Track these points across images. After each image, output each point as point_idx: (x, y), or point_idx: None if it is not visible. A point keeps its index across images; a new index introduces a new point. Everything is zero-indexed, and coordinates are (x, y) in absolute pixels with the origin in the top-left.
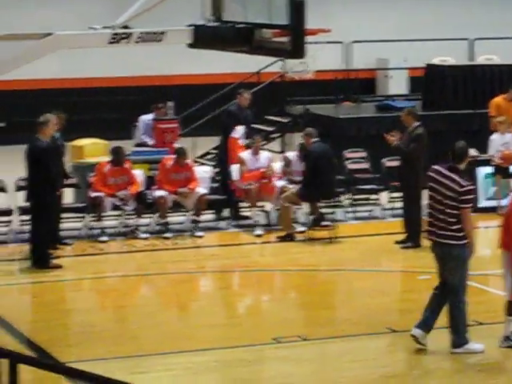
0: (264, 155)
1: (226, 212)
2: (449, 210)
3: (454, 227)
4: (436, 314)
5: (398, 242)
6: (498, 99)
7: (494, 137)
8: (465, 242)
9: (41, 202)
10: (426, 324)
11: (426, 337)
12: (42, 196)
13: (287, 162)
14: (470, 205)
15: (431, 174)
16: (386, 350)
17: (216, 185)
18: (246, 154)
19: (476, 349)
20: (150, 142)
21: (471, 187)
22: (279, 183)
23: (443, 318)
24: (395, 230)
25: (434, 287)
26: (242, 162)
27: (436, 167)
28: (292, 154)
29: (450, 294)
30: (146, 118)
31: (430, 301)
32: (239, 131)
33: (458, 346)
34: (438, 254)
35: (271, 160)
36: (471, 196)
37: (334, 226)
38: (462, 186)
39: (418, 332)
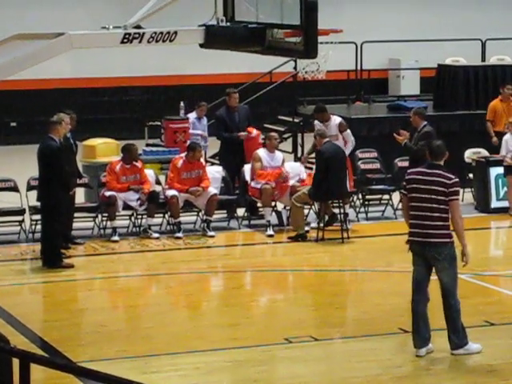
0: (278, 155)
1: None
2: (442, 206)
3: (446, 224)
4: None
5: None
6: (494, 102)
7: (507, 137)
8: (451, 240)
9: (53, 202)
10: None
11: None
12: (54, 195)
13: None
14: (459, 197)
15: (413, 176)
16: (397, 350)
17: (223, 185)
18: (262, 152)
19: (474, 349)
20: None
21: (457, 180)
22: (289, 182)
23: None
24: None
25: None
26: (257, 159)
27: (415, 170)
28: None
29: (446, 297)
30: (192, 116)
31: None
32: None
33: (459, 347)
34: (429, 255)
35: (284, 160)
36: (459, 188)
37: (347, 226)
38: (451, 179)
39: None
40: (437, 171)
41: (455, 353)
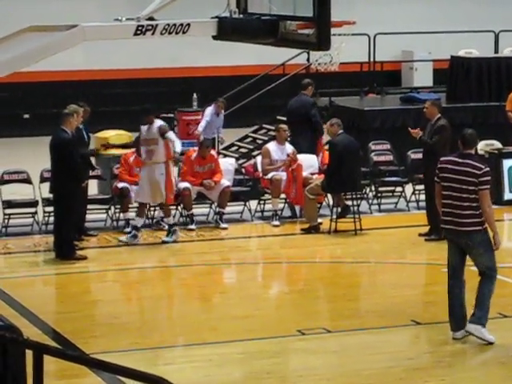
0: (288, 147)
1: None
2: (473, 196)
3: (477, 212)
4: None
5: (421, 235)
6: None
7: None
8: (485, 226)
9: (66, 194)
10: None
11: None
12: (66, 187)
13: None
14: (489, 186)
15: (445, 165)
16: (410, 342)
17: (240, 177)
18: (271, 145)
19: (487, 337)
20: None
21: (488, 169)
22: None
23: (469, 309)
24: (419, 222)
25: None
26: (266, 154)
27: (447, 158)
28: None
29: (483, 278)
30: (209, 110)
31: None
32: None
33: (476, 323)
34: (462, 243)
35: (294, 153)
36: (489, 177)
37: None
38: (481, 169)
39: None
40: (468, 161)
41: (469, 327)
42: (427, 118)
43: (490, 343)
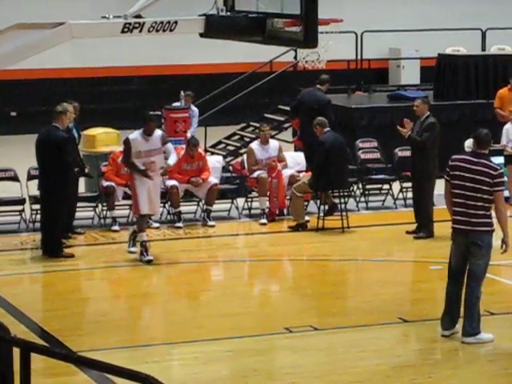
0: (273, 145)
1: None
2: (486, 196)
3: (488, 213)
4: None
5: (409, 232)
6: (502, 90)
7: (508, 127)
8: (493, 228)
9: (54, 191)
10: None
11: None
12: (55, 185)
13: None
14: (503, 187)
15: (457, 163)
16: (397, 340)
17: (228, 174)
18: (255, 145)
19: (486, 339)
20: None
21: (502, 170)
22: (288, 172)
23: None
24: (407, 220)
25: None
26: (250, 154)
27: (461, 156)
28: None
29: (472, 282)
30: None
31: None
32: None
33: (470, 335)
34: (468, 242)
35: (281, 150)
36: (503, 179)
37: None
38: (496, 170)
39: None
40: (483, 161)
41: (465, 340)
42: (417, 115)
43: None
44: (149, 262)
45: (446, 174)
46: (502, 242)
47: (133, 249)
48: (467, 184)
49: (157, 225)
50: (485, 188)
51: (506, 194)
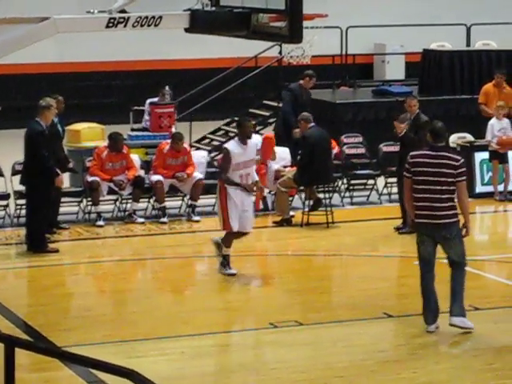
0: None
1: None
2: (451, 188)
3: (453, 204)
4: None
5: (395, 228)
6: (487, 86)
7: (492, 122)
8: (459, 217)
9: (37, 186)
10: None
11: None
12: (37, 180)
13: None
14: (466, 177)
15: (418, 159)
16: (382, 335)
17: (212, 169)
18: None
19: (469, 325)
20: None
21: (464, 160)
22: (274, 167)
23: (444, 303)
24: (392, 215)
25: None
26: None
27: (419, 152)
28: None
29: (456, 271)
30: (153, 101)
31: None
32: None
33: (461, 315)
34: (439, 236)
35: (272, 146)
36: (465, 168)
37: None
38: (458, 160)
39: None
40: (444, 153)
41: (453, 320)
42: (410, 113)
43: (470, 331)
44: (232, 276)
45: (405, 171)
46: (463, 227)
47: (232, 271)
48: (430, 178)
49: (142, 220)
50: (449, 180)
51: (491, 188)
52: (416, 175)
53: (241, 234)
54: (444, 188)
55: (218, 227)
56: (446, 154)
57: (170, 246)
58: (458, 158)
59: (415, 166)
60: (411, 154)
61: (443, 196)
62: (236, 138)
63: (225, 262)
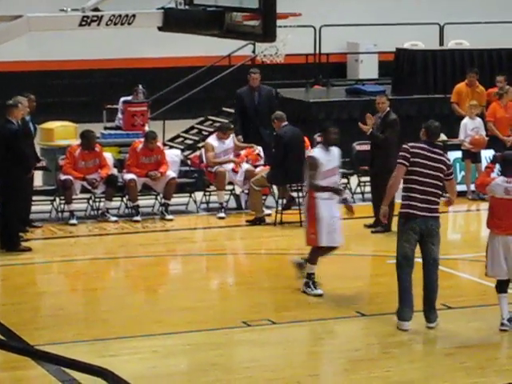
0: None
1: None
2: (442, 183)
3: (440, 200)
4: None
5: (367, 226)
6: (460, 85)
7: (465, 121)
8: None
9: (10, 184)
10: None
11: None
12: (11, 178)
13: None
14: None
15: (418, 150)
16: (355, 334)
17: (186, 168)
18: (212, 140)
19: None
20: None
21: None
22: (245, 166)
23: (417, 301)
24: (365, 214)
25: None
26: (209, 148)
27: (419, 144)
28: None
29: (433, 268)
30: (126, 100)
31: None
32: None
33: (435, 320)
34: (427, 229)
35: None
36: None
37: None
38: (449, 160)
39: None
40: (438, 150)
41: (433, 325)
42: (377, 111)
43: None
44: (319, 296)
45: (402, 159)
46: (447, 198)
47: (318, 291)
48: (430, 172)
49: (115, 218)
50: (442, 176)
51: (464, 187)
52: (413, 166)
53: (329, 249)
54: (438, 183)
55: (191, 225)
56: (440, 151)
57: (143, 244)
58: (448, 157)
59: (415, 156)
60: (410, 144)
61: (438, 190)
62: (320, 145)
63: (309, 281)
